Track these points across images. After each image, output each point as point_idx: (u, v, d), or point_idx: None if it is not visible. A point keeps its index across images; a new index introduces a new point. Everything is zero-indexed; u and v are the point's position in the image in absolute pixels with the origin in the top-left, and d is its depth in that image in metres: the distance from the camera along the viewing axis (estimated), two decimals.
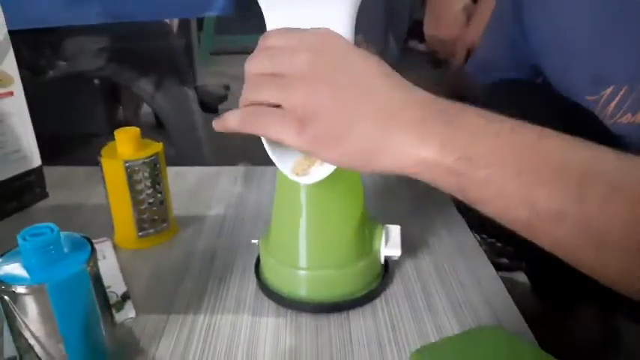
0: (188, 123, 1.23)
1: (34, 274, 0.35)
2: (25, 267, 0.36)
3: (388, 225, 0.52)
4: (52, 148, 0.72)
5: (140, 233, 0.58)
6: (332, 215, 0.49)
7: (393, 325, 0.47)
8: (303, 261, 0.49)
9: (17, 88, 0.64)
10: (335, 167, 0.41)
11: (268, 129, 0.36)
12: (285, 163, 0.43)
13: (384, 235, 0.51)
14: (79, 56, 1.00)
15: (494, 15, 0.70)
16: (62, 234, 0.37)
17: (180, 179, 0.74)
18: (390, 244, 0.51)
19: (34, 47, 0.93)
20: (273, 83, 0.36)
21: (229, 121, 0.38)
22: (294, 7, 0.40)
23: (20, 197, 0.67)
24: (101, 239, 0.59)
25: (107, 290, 0.50)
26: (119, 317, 0.48)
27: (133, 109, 1.47)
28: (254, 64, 0.38)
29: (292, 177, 0.43)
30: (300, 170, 0.43)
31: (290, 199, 0.49)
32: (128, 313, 0.48)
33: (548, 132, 0.33)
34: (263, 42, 0.38)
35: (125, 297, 0.50)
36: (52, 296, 0.34)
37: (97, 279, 0.38)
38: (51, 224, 0.36)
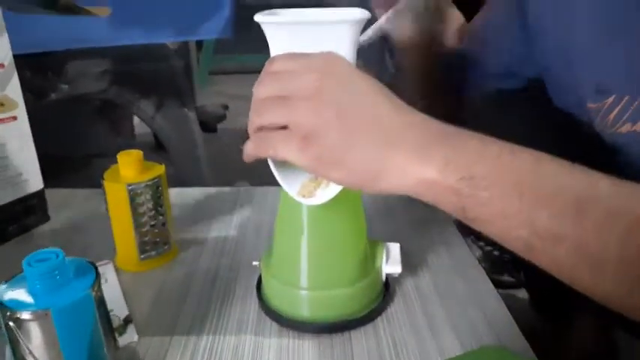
0: (188, 143, 1.24)
1: (39, 299, 0.35)
2: (30, 292, 0.36)
3: (387, 243, 0.53)
4: (53, 169, 0.72)
5: (142, 256, 0.58)
6: (333, 235, 0.49)
7: (395, 345, 0.47)
8: (305, 281, 0.49)
9: (21, 112, 0.64)
10: (340, 189, 0.42)
11: (273, 148, 0.37)
12: (291, 186, 0.44)
13: (384, 254, 0.51)
14: (81, 79, 1.01)
15: (491, 23, 0.71)
16: (67, 259, 0.37)
17: (181, 200, 0.75)
18: (390, 261, 0.52)
19: (36, 70, 0.94)
20: (279, 104, 0.37)
21: (247, 150, 0.39)
22: (299, 33, 0.41)
23: (22, 220, 0.67)
24: (103, 262, 0.59)
25: (110, 314, 0.50)
26: (122, 341, 0.48)
27: (130, 130, 1.48)
28: (261, 89, 0.39)
29: (298, 199, 0.44)
30: (307, 192, 0.44)
31: (291, 220, 0.49)
32: (131, 336, 0.49)
33: (545, 156, 0.34)
34: (269, 67, 0.39)
35: (127, 320, 0.51)
36: (57, 322, 0.35)
37: (101, 303, 0.38)
38: (56, 249, 0.37)
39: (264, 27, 0.42)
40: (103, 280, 0.57)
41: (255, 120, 0.38)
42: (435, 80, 0.72)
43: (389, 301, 0.53)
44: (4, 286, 0.37)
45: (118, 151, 0.58)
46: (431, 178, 0.33)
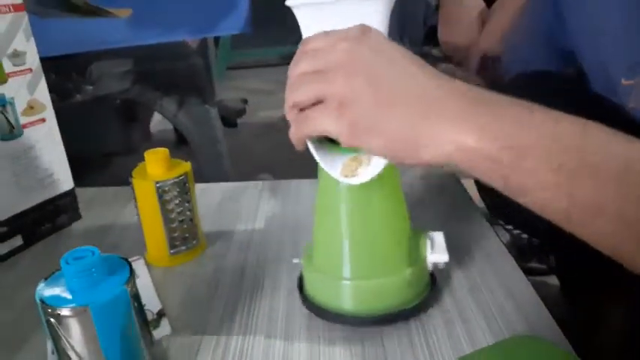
0: (210, 139, 1.25)
1: (78, 296, 0.36)
2: (69, 289, 0.37)
3: (431, 232, 0.52)
4: (77, 168, 0.74)
5: (172, 251, 0.59)
6: (376, 221, 0.48)
7: (425, 333, 0.47)
8: (348, 271, 0.48)
9: (49, 114, 0.66)
10: (382, 165, 0.42)
11: (311, 123, 0.37)
12: (333, 168, 0.44)
13: (428, 242, 0.50)
14: (105, 79, 1.03)
15: (527, 5, 0.70)
16: (101, 256, 0.38)
17: (207, 196, 0.76)
18: (435, 249, 0.50)
19: (61, 72, 0.96)
20: (312, 78, 0.37)
21: (291, 135, 0.39)
22: (330, 12, 0.41)
23: (55, 219, 0.69)
24: (134, 258, 0.61)
25: (144, 308, 0.51)
26: (156, 334, 0.49)
27: (149, 128, 1.50)
28: (295, 68, 0.39)
29: (341, 179, 0.43)
30: (349, 172, 0.43)
31: (331, 209, 0.48)
32: (165, 329, 0.50)
33: (592, 124, 0.33)
34: (303, 47, 0.39)
35: (161, 314, 0.52)
36: (95, 317, 0.36)
37: (137, 299, 0.39)
38: (92, 247, 0.38)
39: (295, 10, 0.42)
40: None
41: (289, 97, 0.38)
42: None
43: (437, 293, 0.51)
44: (43, 284, 0.38)
45: (140, 149, 0.59)
46: (469, 145, 0.32)
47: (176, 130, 1.60)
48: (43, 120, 0.65)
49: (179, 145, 1.69)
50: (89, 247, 0.38)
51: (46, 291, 0.37)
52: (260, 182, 0.82)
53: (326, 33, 0.39)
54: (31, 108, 0.63)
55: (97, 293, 0.36)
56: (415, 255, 0.49)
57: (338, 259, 0.48)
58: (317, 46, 0.38)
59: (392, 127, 0.34)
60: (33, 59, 0.63)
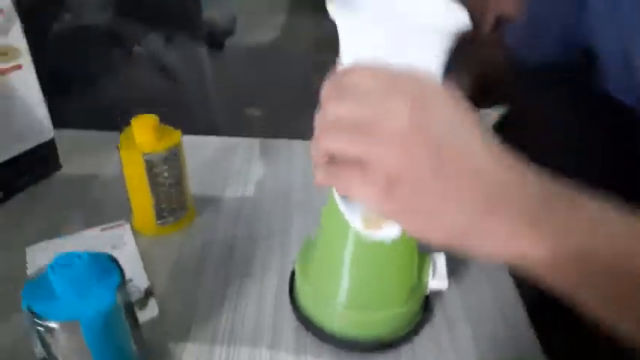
0: (195, 71, 1.19)
1: (67, 308, 0.35)
2: (58, 298, 0.35)
3: (434, 253, 0.48)
4: (60, 107, 0.69)
5: (159, 221, 0.58)
6: (382, 258, 0.44)
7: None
8: (345, 299, 0.45)
9: (25, 59, 0.60)
10: None
11: (345, 186, 0.31)
12: (355, 214, 0.39)
13: (431, 268, 0.47)
14: (84, 8, 0.94)
15: None
16: (89, 255, 0.36)
17: (196, 151, 0.71)
18: (436, 276, 0.47)
19: (37, 2, 0.87)
20: (358, 132, 0.29)
21: (316, 179, 0.33)
22: (383, 35, 0.33)
23: (33, 171, 0.65)
24: (120, 222, 0.59)
25: (129, 284, 0.50)
26: (142, 316, 0.48)
27: (136, 62, 1.41)
28: (336, 106, 0.31)
29: (365, 232, 0.38)
30: (374, 224, 0.38)
31: (337, 236, 0.44)
32: (152, 311, 0.49)
33: None
34: (346, 77, 0.31)
35: (148, 293, 0.51)
36: (86, 330, 0.35)
37: (128, 304, 0.38)
38: (80, 253, 0.36)
39: (338, 21, 0.34)
40: (120, 243, 0.57)
41: (324, 145, 0.31)
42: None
43: (430, 315, 0.49)
44: (31, 289, 0.36)
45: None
46: (539, 251, 0.28)
47: (161, 68, 1.51)
48: (19, 66, 0.60)
49: (165, 77, 1.59)
50: (77, 252, 0.36)
51: (35, 299, 0.35)
52: (254, 140, 0.78)
53: (375, 69, 0.31)
54: (4, 54, 0.58)
55: (88, 304, 0.35)
56: (417, 284, 0.47)
57: (336, 285, 0.45)
58: (364, 84, 0.30)
59: (444, 217, 0.29)
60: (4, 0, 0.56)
